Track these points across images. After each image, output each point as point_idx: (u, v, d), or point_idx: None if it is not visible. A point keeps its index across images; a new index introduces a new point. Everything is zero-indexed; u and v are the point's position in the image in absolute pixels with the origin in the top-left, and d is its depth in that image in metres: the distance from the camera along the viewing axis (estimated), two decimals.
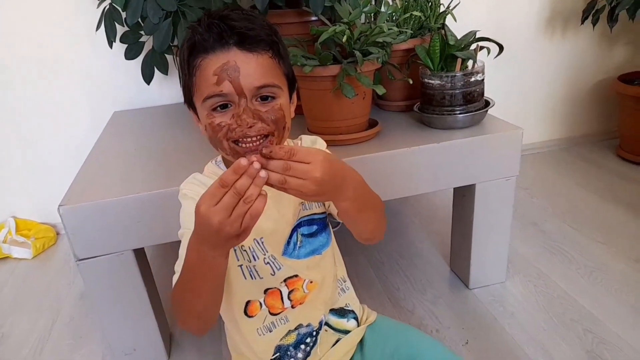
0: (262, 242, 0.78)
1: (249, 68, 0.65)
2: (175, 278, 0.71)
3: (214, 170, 0.77)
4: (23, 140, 1.71)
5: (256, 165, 0.52)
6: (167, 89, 1.71)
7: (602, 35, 2.03)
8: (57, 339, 1.29)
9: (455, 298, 1.29)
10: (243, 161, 0.52)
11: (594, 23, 1.80)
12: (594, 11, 1.79)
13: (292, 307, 0.83)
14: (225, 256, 0.62)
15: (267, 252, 0.78)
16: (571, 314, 1.19)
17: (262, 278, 0.79)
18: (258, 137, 0.67)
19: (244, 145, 0.67)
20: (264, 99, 0.67)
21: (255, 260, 0.78)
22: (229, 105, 0.66)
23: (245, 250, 0.77)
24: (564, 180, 1.92)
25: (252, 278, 0.79)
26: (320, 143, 0.86)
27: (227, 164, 0.76)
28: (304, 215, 0.82)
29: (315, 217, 0.84)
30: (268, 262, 0.79)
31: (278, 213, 0.79)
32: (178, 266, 0.71)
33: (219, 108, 0.66)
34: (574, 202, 1.73)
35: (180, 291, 0.68)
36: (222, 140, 0.67)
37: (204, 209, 0.53)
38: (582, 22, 1.85)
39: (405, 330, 0.98)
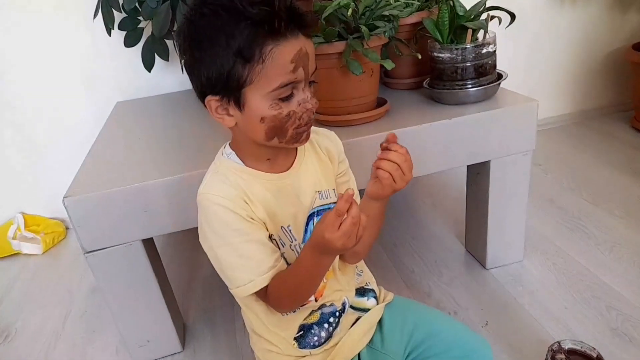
0: (290, 230, 0.76)
1: (311, 52, 0.65)
2: (243, 285, 0.70)
3: (231, 165, 0.73)
4: (27, 136, 1.70)
5: (350, 192, 0.59)
6: (169, 76, 1.67)
7: (615, 1, 1.96)
8: (70, 333, 1.28)
9: (473, 279, 1.26)
10: (350, 191, 0.58)
11: None
12: None
13: (315, 300, 0.81)
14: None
15: (295, 239, 0.77)
16: (593, 290, 1.16)
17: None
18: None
19: (304, 127, 0.68)
20: (311, 82, 0.68)
21: (282, 247, 0.76)
22: (292, 94, 0.66)
23: (274, 240, 0.75)
24: (579, 154, 1.87)
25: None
26: (334, 136, 0.86)
27: (243, 155, 0.73)
28: (320, 205, 0.80)
29: (332, 206, 0.82)
30: (293, 249, 0.77)
31: (298, 200, 0.77)
32: (234, 271, 0.71)
33: (284, 98, 0.65)
34: (589, 176, 1.69)
35: (293, 290, 0.72)
36: (289, 129, 0.67)
37: (328, 236, 0.60)
38: None
39: (423, 309, 0.98)
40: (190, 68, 0.68)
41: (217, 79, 0.64)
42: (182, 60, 0.69)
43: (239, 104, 0.66)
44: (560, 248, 1.33)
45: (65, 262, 1.62)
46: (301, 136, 0.69)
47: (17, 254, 1.70)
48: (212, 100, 0.67)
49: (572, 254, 1.30)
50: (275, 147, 0.70)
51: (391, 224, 1.56)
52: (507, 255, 1.29)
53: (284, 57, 0.62)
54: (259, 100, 0.64)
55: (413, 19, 1.20)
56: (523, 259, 1.30)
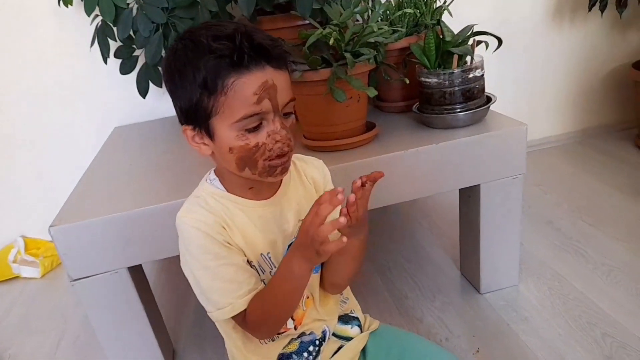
0: (270, 258, 0.76)
1: (281, 85, 0.65)
2: (222, 308, 0.70)
3: (213, 190, 0.74)
4: (30, 161, 1.72)
5: (340, 196, 0.58)
6: (163, 101, 1.69)
7: (614, 21, 1.95)
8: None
9: (466, 304, 1.24)
10: (340, 196, 0.58)
11: (602, 9, 1.73)
12: None
13: (295, 328, 0.80)
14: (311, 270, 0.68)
15: (274, 267, 0.77)
16: (588, 317, 1.13)
17: None
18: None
19: (276, 161, 0.67)
20: (286, 114, 0.68)
21: (262, 274, 0.76)
22: (261, 125, 0.66)
23: (254, 266, 0.75)
24: (580, 174, 1.84)
25: None
26: (321, 164, 0.85)
27: (226, 181, 0.74)
28: None
29: None
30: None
31: (279, 228, 0.77)
32: (213, 294, 0.70)
33: (252, 129, 0.65)
34: (590, 198, 1.66)
35: (270, 309, 0.71)
36: (259, 160, 0.67)
37: (312, 231, 0.60)
38: (590, 9, 1.78)
39: (409, 338, 0.96)
40: (171, 98, 0.70)
41: (188, 109, 0.67)
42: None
43: (209, 134, 0.67)
44: (556, 272, 1.30)
45: (61, 287, 1.63)
46: (274, 170, 0.69)
47: (16, 278, 1.71)
48: (187, 130, 0.69)
49: (569, 278, 1.27)
50: (253, 179, 0.71)
51: (386, 247, 1.55)
52: (502, 280, 1.27)
53: (246, 89, 0.63)
54: (226, 131, 0.65)
55: (402, 44, 1.21)
56: (518, 284, 1.27)
